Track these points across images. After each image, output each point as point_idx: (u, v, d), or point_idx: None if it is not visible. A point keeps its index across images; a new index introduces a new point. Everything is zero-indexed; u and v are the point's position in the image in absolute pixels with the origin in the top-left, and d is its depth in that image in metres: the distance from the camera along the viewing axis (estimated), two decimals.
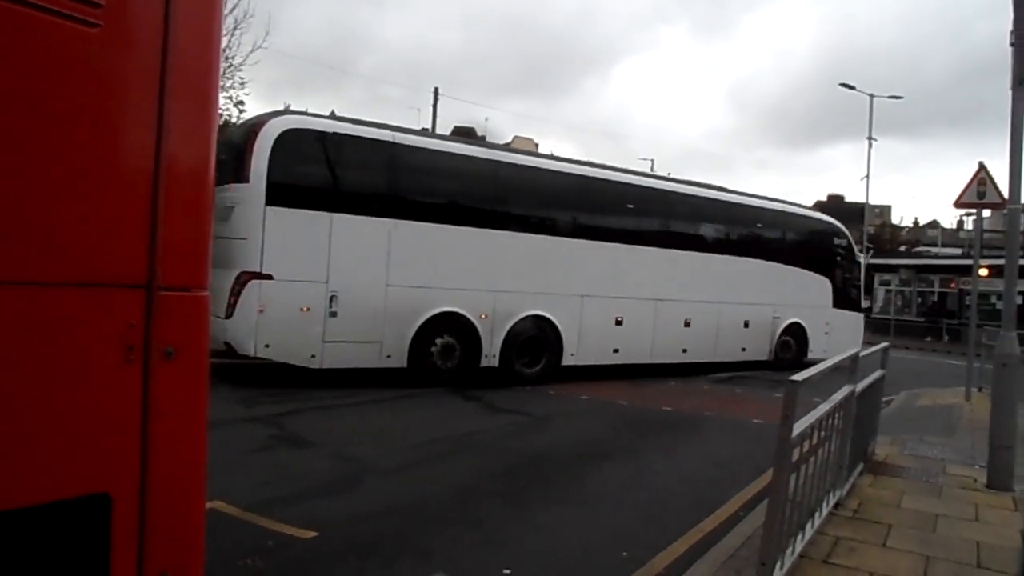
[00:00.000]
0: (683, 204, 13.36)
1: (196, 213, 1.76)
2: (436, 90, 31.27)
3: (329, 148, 9.51)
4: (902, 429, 8.44)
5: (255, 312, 8.88)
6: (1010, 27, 5.82)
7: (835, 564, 3.98)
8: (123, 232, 1.59)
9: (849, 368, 4.96)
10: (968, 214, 32.94)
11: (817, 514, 4.33)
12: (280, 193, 9.04)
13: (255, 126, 9.49)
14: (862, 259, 16.77)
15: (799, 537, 3.87)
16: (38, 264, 1.46)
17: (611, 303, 12.03)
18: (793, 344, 14.93)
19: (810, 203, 19.63)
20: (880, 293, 33.62)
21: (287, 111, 10.07)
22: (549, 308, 11.27)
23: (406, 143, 10.22)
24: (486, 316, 10.65)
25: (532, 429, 8.26)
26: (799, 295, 14.93)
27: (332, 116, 10.21)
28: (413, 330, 10.01)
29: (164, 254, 1.64)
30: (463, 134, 31.06)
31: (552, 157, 12.54)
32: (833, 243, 15.86)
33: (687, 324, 13.11)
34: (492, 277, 10.68)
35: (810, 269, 15.15)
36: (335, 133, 9.57)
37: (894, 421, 9.02)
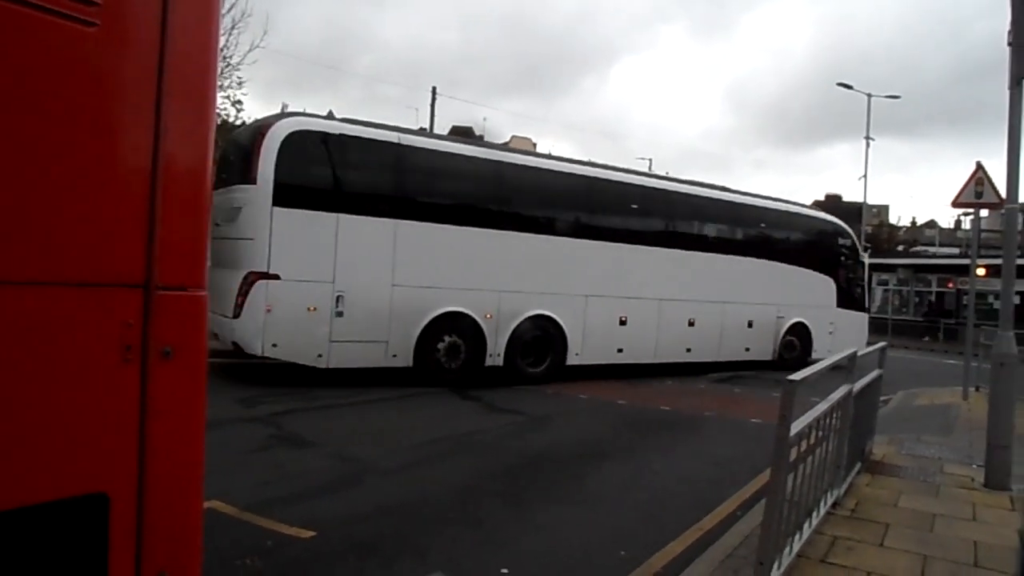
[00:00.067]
0: (687, 204, 13.38)
1: (194, 212, 1.76)
2: (434, 89, 31.25)
3: (335, 149, 9.57)
4: (900, 429, 8.46)
5: (262, 312, 8.95)
6: (1008, 27, 5.83)
7: (833, 563, 3.98)
8: (121, 231, 1.59)
9: (847, 368, 4.97)
10: (966, 214, 33.04)
11: (815, 513, 4.33)
12: (287, 194, 9.10)
13: (262, 128, 9.55)
14: (866, 259, 16.76)
15: (797, 536, 3.88)
16: (35, 264, 1.46)
17: (615, 303, 12.06)
18: (797, 344, 14.93)
19: (808, 203, 19.63)
20: (878, 293, 33.63)
21: (287, 113, 10.08)
22: (554, 308, 11.31)
23: (411, 144, 10.28)
24: (491, 316, 10.69)
25: (531, 429, 8.26)
26: (803, 295, 14.94)
27: (330, 116, 10.20)
28: (418, 330, 10.07)
29: (162, 253, 1.64)
30: (461, 134, 31.05)
31: (556, 158, 12.56)
32: (837, 243, 15.88)
33: (691, 324, 13.13)
34: (497, 277, 10.72)
35: (814, 269, 15.16)
36: (341, 134, 9.63)
37: (892, 421, 9.04)
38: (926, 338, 28.36)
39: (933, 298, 32.60)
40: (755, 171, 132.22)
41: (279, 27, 70.55)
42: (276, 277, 9.00)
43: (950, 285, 30.72)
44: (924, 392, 12.52)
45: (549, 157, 12.43)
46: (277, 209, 9.01)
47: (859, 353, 5.25)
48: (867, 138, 31.79)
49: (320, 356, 9.41)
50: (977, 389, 11.64)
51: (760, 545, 3.30)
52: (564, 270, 11.43)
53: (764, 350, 14.50)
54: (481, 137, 32.07)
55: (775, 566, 3.40)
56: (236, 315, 9.02)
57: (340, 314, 9.44)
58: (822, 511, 4.55)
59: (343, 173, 9.71)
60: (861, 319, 16.07)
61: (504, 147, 13.84)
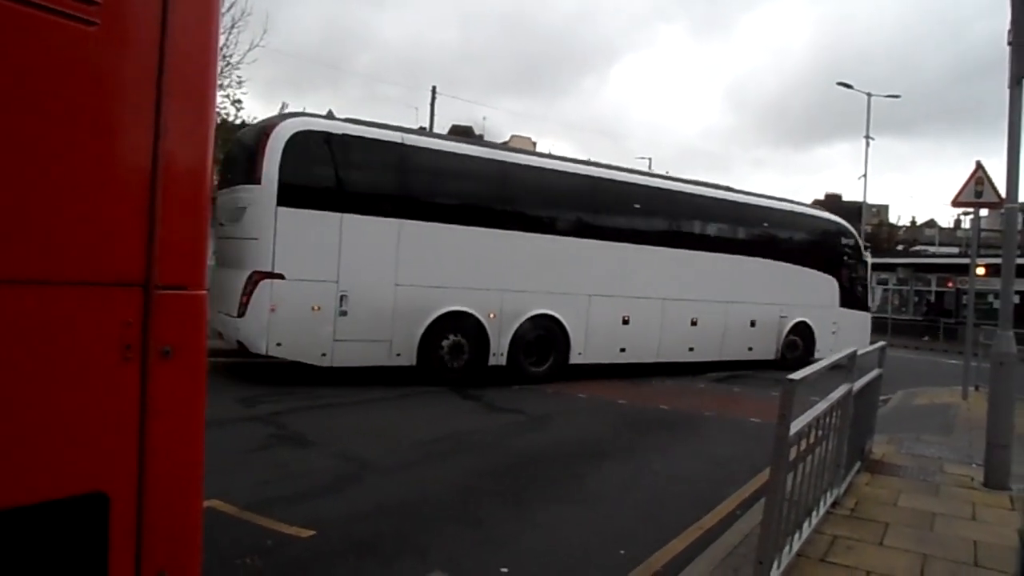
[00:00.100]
0: (690, 204, 13.40)
1: (194, 212, 1.76)
2: (434, 89, 31.25)
3: (339, 150, 9.61)
4: (899, 428, 8.46)
5: (267, 311, 9.00)
6: (1008, 26, 5.83)
7: (832, 563, 3.99)
8: (120, 231, 1.59)
9: (847, 367, 4.97)
10: (965, 213, 33.09)
11: (814, 513, 4.33)
12: (291, 194, 9.15)
13: (266, 128, 9.60)
14: (869, 259, 16.76)
15: (796, 535, 3.88)
16: (34, 263, 1.46)
17: (618, 302, 12.09)
18: (800, 343, 14.93)
19: (808, 202, 19.63)
20: (877, 292, 33.62)
21: (292, 113, 10.13)
22: (557, 307, 11.35)
23: (415, 144, 10.34)
24: (494, 315, 10.73)
25: (531, 428, 8.26)
26: (806, 294, 14.95)
27: (330, 115, 10.22)
28: (422, 329, 10.11)
29: (161, 253, 1.64)
30: (461, 133, 31.07)
31: (559, 158, 12.57)
32: (840, 242, 15.88)
33: (694, 323, 13.15)
34: (500, 277, 10.76)
35: (817, 268, 15.17)
36: (345, 135, 9.67)
37: (891, 420, 9.04)
38: (926, 337, 28.37)
39: (932, 298, 32.61)
40: (754, 170, 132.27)
41: (279, 26, 70.59)
42: (280, 276, 9.05)
43: (950, 284, 30.74)
44: (924, 391, 12.53)
45: (553, 157, 12.43)
46: (281, 209, 9.06)
47: (859, 352, 5.25)
48: (867, 137, 31.84)
49: (324, 355, 9.45)
50: (977, 388, 11.64)
51: (760, 544, 3.30)
52: (567, 270, 11.45)
53: (767, 349, 14.51)
54: (481, 136, 32.06)
55: (775, 565, 3.40)
56: (241, 314, 9.07)
57: (344, 313, 9.48)
58: (822, 510, 4.55)
59: (347, 173, 9.74)
60: (864, 319, 16.07)
61: (507, 147, 13.86)
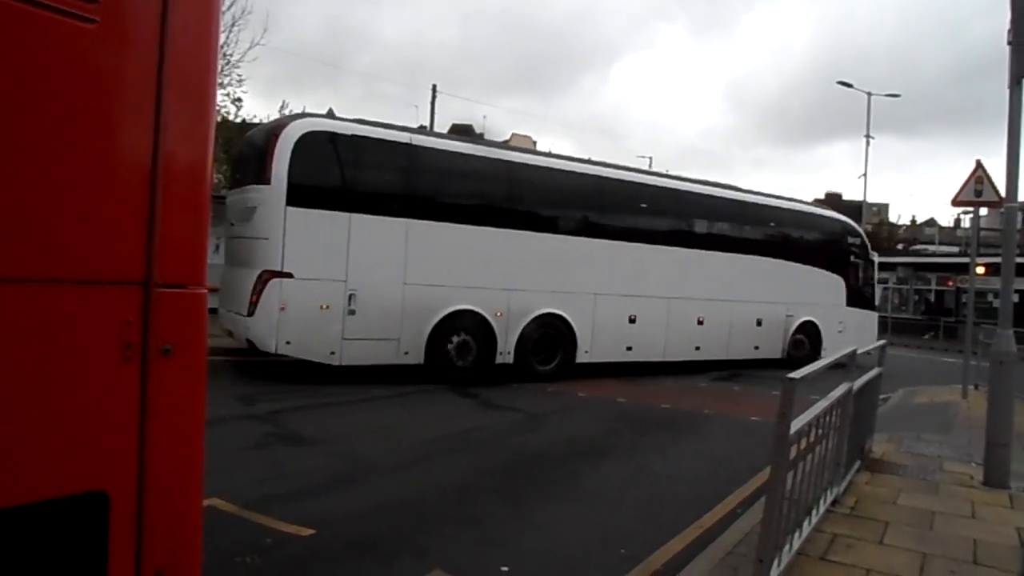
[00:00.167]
0: (696, 203, 13.42)
1: (194, 210, 1.76)
2: (434, 87, 31.28)
3: (348, 150, 9.68)
4: (899, 426, 8.46)
5: (276, 310, 9.07)
6: (1007, 26, 5.83)
7: (832, 561, 3.99)
8: (120, 229, 1.59)
9: (847, 366, 4.97)
10: (965, 212, 33.08)
11: (814, 511, 4.33)
12: (300, 194, 9.23)
13: (276, 129, 9.70)
14: (876, 258, 16.76)
15: (796, 534, 3.88)
16: (34, 261, 1.46)
17: (625, 301, 12.13)
18: (806, 342, 14.92)
19: (809, 201, 19.62)
20: (877, 291, 33.62)
21: (301, 114, 10.27)
22: (563, 306, 11.40)
23: (423, 144, 10.42)
24: (501, 314, 10.78)
25: (530, 427, 8.27)
26: (812, 293, 14.95)
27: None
28: (430, 328, 10.17)
29: (161, 251, 1.64)
30: (461, 131, 31.04)
31: (566, 157, 12.59)
32: (847, 242, 15.88)
33: (700, 322, 13.18)
34: (507, 276, 10.82)
35: (824, 268, 15.17)
36: (353, 135, 9.74)
37: (891, 419, 9.04)
38: (926, 336, 28.37)
39: (932, 297, 32.62)
40: (755, 169, 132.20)
41: (279, 25, 70.58)
42: (290, 276, 9.13)
43: (950, 283, 30.73)
44: (923, 390, 12.53)
45: (560, 157, 12.45)
46: (291, 209, 9.15)
47: (859, 351, 5.25)
48: (867, 136, 31.87)
49: (333, 354, 9.52)
50: (976, 387, 11.65)
51: (760, 542, 3.30)
52: (574, 269, 11.51)
53: (773, 348, 14.51)
54: (481, 135, 32.04)
55: (775, 564, 3.40)
56: (250, 313, 9.17)
57: (352, 312, 9.56)
58: (822, 509, 4.55)
59: (355, 173, 9.82)
60: (871, 318, 16.08)
61: (515, 148, 13.90)
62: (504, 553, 4.25)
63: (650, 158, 49.47)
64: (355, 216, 9.55)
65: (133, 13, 1.60)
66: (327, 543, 4.22)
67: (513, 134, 42.62)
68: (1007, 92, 5.86)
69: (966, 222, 39.59)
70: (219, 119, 19.61)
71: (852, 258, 15.88)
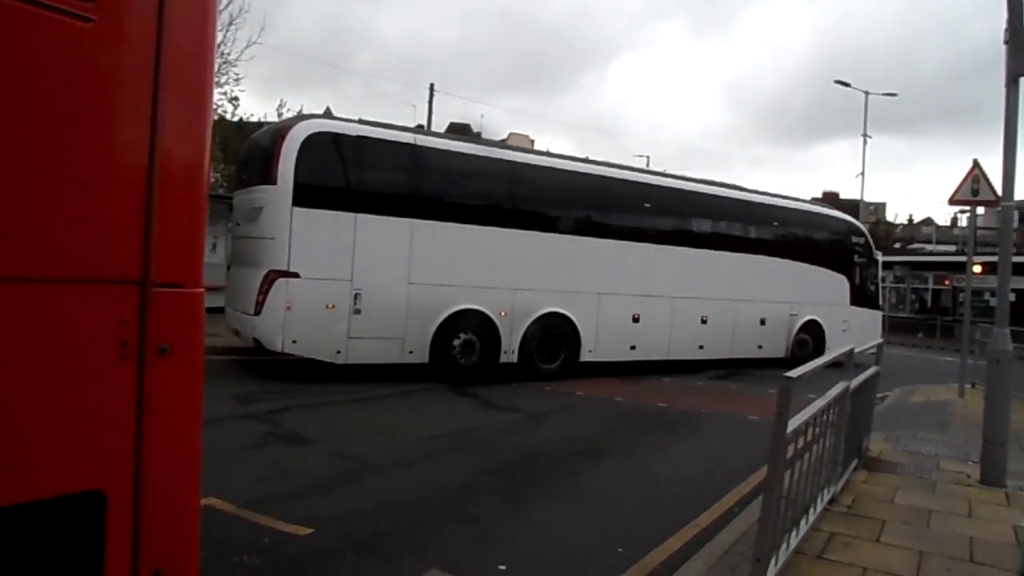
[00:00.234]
0: (700, 203, 13.44)
1: (190, 209, 1.75)
2: (432, 86, 31.25)
3: (353, 151, 9.76)
4: (896, 425, 8.48)
5: (282, 309, 9.15)
6: (1004, 25, 5.84)
7: (829, 560, 4.00)
8: (117, 228, 1.58)
9: (844, 364, 4.98)
10: (962, 211, 33.13)
11: (812, 510, 4.34)
12: (306, 194, 9.30)
13: (282, 130, 9.80)
14: (880, 257, 16.77)
15: (794, 533, 3.89)
16: (30, 260, 1.45)
17: (628, 301, 12.17)
18: (810, 341, 14.90)
19: (806, 200, 19.65)
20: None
21: (307, 115, 10.39)
22: (567, 305, 11.44)
23: (427, 145, 10.50)
24: (505, 313, 10.83)
25: (528, 426, 8.27)
26: (816, 293, 14.96)
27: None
28: (434, 327, 10.23)
29: (158, 250, 1.63)
30: (458, 131, 31.04)
31: (569, 157, 12.62)
32: (851, 241, 15.89)
33: (704, 321, 13.21)
34: (511, 275, 10.87)
35: (827, 267, 15.18)
36: (359, 136, 9.82)
37: (888, 417, 9.06)
38: (922, 335, 28.44)
39: (928, 296, 32.69)
40: (753, 168, 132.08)
41: (277, 23, 70.37)
42: (296, 275, 9.20)
43: (947, 282, 30.82)
44: (920, 389, 12.56)
45: (563, 157, 12.47)
46: (297, 209, 9.22)
47: (856, 350, 5.26)
48: (864, 136, 31.89)
49: (338, 352, 9.59)
50: (973, 386, 11.67)
51: (757, 541, 3.30)
52: (578, 268, 11.55)
53: (777, 347, 14.52)
54: (479, 134, 32.03)
55: (772, 562, 3.41)
56: (257, 312, 9.25)
57: (358, 311, 9.63)
58: (819, 507, 4.56)
59: (361, 174, 9.89)
60: (875, 317, 16.07)
61: (517, 148, 13.94)
62: (502, 552, 4.25)
63: (647, 157, 49.50)
64: (360, 216, 9.62)
65: (130, 12, 1.59)
66: (325, 542, 4.21)
67: (511, 133, 42.57)
68: (1003, 91, 5.87)
69: (963, 221, 39.65)
70: (216, 118, 19.58)
71: (856, 257, 15.88)
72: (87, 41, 1.50)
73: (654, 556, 4.30)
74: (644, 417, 9.05)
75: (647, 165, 34.18)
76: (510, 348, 10.92)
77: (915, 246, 46.67)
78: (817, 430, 4.08)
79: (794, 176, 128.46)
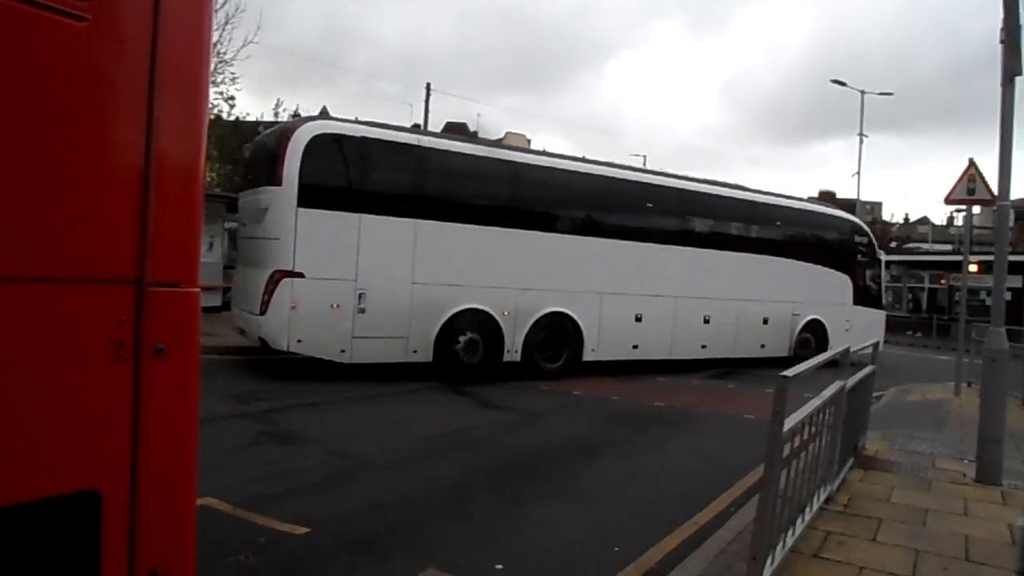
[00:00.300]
0: (703, 203, 13.46)
1: (187, 208, 1.75)
2: (428, 86, 31.26)
3: (357, 152, 9.83)
4: (892, 424, 8.50)
5: (288, 309, 9.23)
6: (1000, 25, 5.85)
7: (825, 558, 4.00)
8: (112, 227, 1.58)
9: (840, 364, 4.99)
10: (958, 210, 33.20)
11: (808, 509, 4.35)
12: (311, 195, 9.37)
13: (287, 131, 9.87)
14: (883, 256, 16.78)
15: (790, 532, 3.90)
16: (25, 261, 1.45)
17: (631, 300, 12.20)
18: (813, 341, 14.89)
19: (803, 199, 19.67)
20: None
21: (312, 116, 10.47)
22: (570, 305, 11.49)
23: (431, 146, 10.56)
24: (509, 313, 10.89)
25: (525, 425, 8.27)
26: (819, 292, 14.98)
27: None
28: (438, 326, 10.29)
29: (154, 250, 1.63)
30: (455, 130, 31.05)
31: (572, 157, 12.64)
32: (853, 240, 15.90)
33: (707, 321, 13.24)
34: (514, 275, 10.91)
35: (830, 266, 15.20)
36: (363, 137, 9.88)
37: (884, 416, 9.08)
38: (918, 334, 28.49)
39: (924, 295, 32.75)
40: (750, 167, 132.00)
41: (273, 22, 70.18)
42: (301, 275, 9.28)
43: (943, 281, 30.86)
44: (916, 388, 12.59)
45: (565, 158, 12.49)
46: (302, 210, 9.29)
47: (852, 349, 5.27)
48: (861, 135, 31.95)
49: (343, 352, 9.65)
50: (969, 385, 11.70)
51: (753, 540, 3.31)
52: (581, 268, 11.59)
53: (780, 347, 14.53)
54: (475, 133, 32.04)
55: (768, 561, 3.41)
56: (262, 312, 9.33)
57: (362, 311, 9.69)
58: (815, 506, 4.57)
59: (365, 175, 9.94)
60: (878, 316, 16.08)
61: (520, 148, 13.99)
62: (500, 551, 4.25)
63: (645, 156, 49.57)
64: (365, 216, 9.68)
65: (125, 11, 1.59)
66: (321, 542, 4.21)
67: (508, 132, 42.58)
68: (999, 90, 5.88)
69: (959, 220, 39.75)
70: (212, 117, 19.54)
71: (859, 257, 15.90)
72: (81, 40, 1.50)
73: (651, 555, 4.31)
74: (641, 416, 9.05)
75: (644, 164, 34.21)
76: (513, 347, 10.97)
77: (911, 245, 46.81)
78: (813, 429, 4.09)
79: (790, 175, 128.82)
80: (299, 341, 9.37)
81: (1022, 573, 3.91)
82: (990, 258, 6.51)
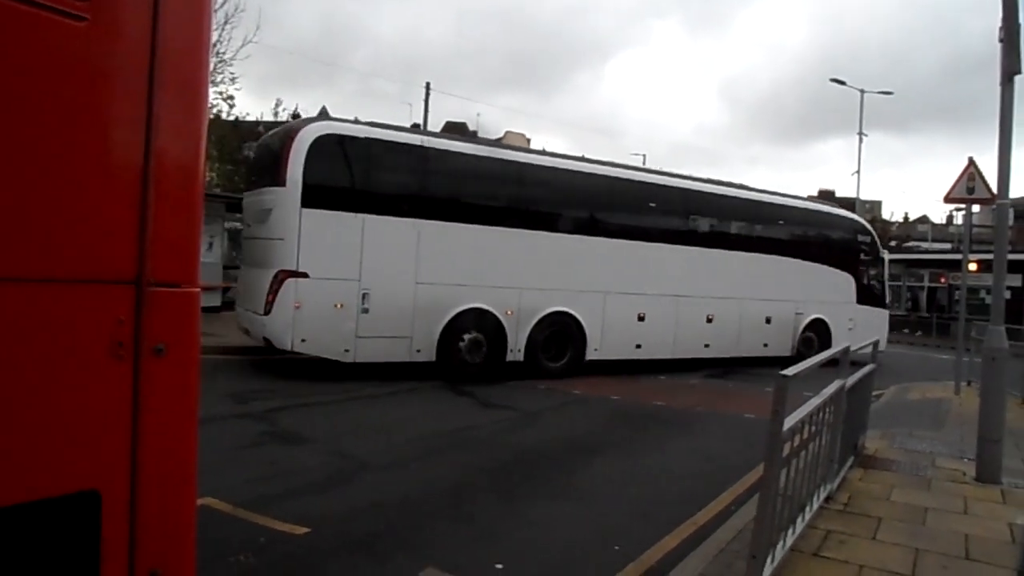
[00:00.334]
0: (706, 203, 13.48)
1: (186, 208, 1.74)
2: (427, 85, 31.27)
3: (361, 152, 9.85)
4: (892, 423, 8.50)
5: (292, 309, 9.28)
6: (999, 23, 5.85)
7: (825, 557, 4.01)
8: (112, 227, 1.58)
9: (840, 363, 4.99)
10: (958, 209, 33.21)
11: (808, 508, 4.35)
12: (315, 196, 9.41)
13: (290, 132, 9.91)
14: (886, 256, 16.77)
15: (790, 530, 3.90)
16: (24, 261, 1.45)
17: (634, 299, 12.22)
18: (816, 340, 14.85)
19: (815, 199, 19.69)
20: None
21: (315, 117, 10.41)
22: (573, 304, 11.52)
23: (434, 147, 10.58)
24: (512, 312, 10.92)
25: (525, 425, 8.27)
26: (822, 291, 14.99)
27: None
28: (441, 326, 10.34)
29: (154, 249, 1.63)
30: (454, 129, 31.05)
31: (575, 157, 12.66)
32: (856, 239, 15.90)
33: (709, 320, 13.26)
34: (518, 275, 10.94)
35: (833, 265, 15.21)
36: (367, 138, 9.91)
37: (884, 415, 9.08)
38: (918, 333, 28.49)
39: (923, 294, 32.75)
40: (749, 167, 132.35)
41: (273, 22, 70.11)
42: (305, 275, 9.32)
43: (942, 280, 30.87)
44: (916, 387, 12.60)
45: (568, 157, 12.50)
46: (305, 210, 9.33)
47: (852, 348, 5.27)
48: (860, 134, 31.95)
49: (347, 351, 9.68)
50: (969, 383, 11.70)
51: (753, 539, 3.31)
52: (584, 268, 11.60)
53: (783, 346, 14.53)
54: (475, 133, 32.04)
55: (768, 560, 3.41)
56: (267, 312, 9.38)
57: (366, 311, 9.73)
58: (815, 505, 4.57)
59: (368, 175, 9.97)
60: (881, 315, 16.09)
61: (520, 148, 14.02)
62: (500, 550, 4.25)
63: (644, 155, 49.55)
64: (368, 217, 9.71)
65: (124, 10, 1.59)
66: (321, 541, 4.21)
67: (507, 132, 42.54)
68: (999, 89, 5.88)
69: (959, 219, 39.76)
70: (212, 117, 19.54)
71: (862, 256, 15.90)
72: (81, 40, 1.50)
73: (651, 554, 4.31)
74: (641, 415, 9.06)
75: (643, 163, 34.21)
76: (516, 347, 11.00)
77: (911, 244, 46.80)
78: (813, 428, 4.09)
79: (790, 174, 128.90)
80: (303, 341, 9.40)
81: (1022, 572, 3.92)
82: (989, 257, 6.51)
